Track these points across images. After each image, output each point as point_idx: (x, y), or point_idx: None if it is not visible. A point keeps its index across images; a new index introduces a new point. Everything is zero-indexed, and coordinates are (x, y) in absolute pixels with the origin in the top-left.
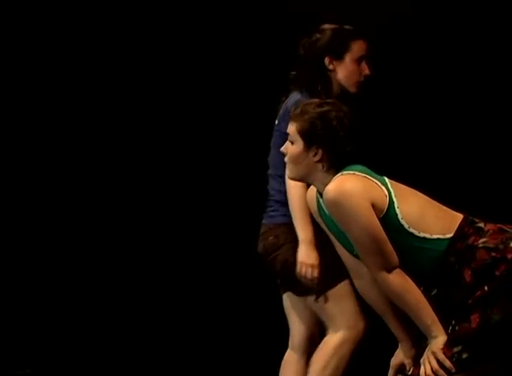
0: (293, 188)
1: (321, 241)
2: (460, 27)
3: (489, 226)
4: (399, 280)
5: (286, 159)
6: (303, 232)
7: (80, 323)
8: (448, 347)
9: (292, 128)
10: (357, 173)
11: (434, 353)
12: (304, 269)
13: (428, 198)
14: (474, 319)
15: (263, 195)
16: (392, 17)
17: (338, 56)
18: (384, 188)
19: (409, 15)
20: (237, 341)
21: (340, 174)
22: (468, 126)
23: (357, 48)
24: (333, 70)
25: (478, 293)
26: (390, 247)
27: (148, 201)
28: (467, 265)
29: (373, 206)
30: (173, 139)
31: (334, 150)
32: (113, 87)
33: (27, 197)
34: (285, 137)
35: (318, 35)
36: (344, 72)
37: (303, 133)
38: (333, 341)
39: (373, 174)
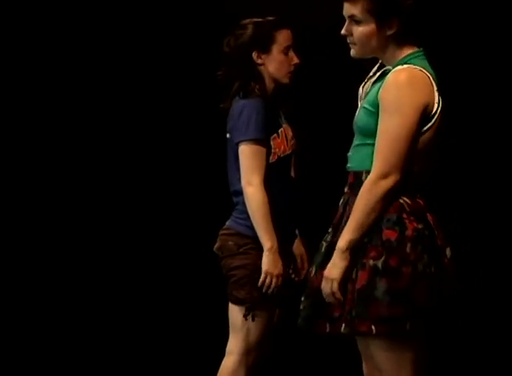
0: (253, 196)
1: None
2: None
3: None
4: (388, 190)
5: (351, 39)
6: (269, 241)
7: (78, 325)
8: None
9: (357, 9)
10: (424, 71)
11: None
12: (269, 279)
13: None
14: (361, 277)
15: None
16: None
17: (265, 49)
18: (437, 100)
19: None
20: None
21: (411, 62)
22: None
23: (282, 38)
24: (263, 64)
25: (372, 254)
26: (406, 156)
27: (148, 202)
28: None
29: (426, 106)
30: (173, 140)
31: (409, 19)
32: (108, 82)
33: (27, 197)
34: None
35: (240, 31)
36: (273, 64)
37: (377, 10)
38: (228, 366)
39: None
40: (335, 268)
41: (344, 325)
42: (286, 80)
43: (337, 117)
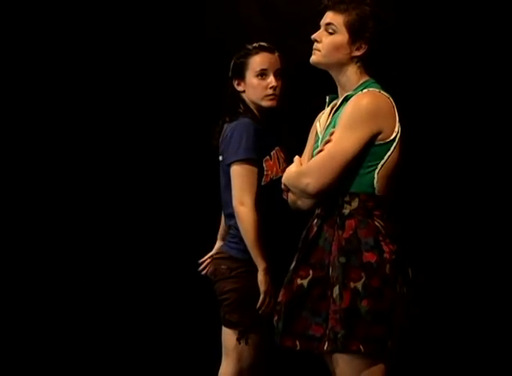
0: (245, 216)
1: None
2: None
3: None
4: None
5: (318, 46)
6: (263, 261)
7: (75, 326)
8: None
9: (337, 19)
10: (388, 98)
11: None
12: (268, 299)
13: None
14: (346, 298)
15: None
16: None
17: (241, 76)
18: (398, 125)
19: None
20: None
21: (371, 87)
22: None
23: (255, 62)
24: (244, 91)
25: (352, 275)
26: (339, 176)
27: (147, 202)
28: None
29: (378, 133)
30: (173, 140)
31: (378, 50)
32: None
33: (22, 197)
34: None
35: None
36: (249, 89)
37: (353, 27)
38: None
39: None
40: None
41: (327, 344)
42: (266, 103)
43: None
